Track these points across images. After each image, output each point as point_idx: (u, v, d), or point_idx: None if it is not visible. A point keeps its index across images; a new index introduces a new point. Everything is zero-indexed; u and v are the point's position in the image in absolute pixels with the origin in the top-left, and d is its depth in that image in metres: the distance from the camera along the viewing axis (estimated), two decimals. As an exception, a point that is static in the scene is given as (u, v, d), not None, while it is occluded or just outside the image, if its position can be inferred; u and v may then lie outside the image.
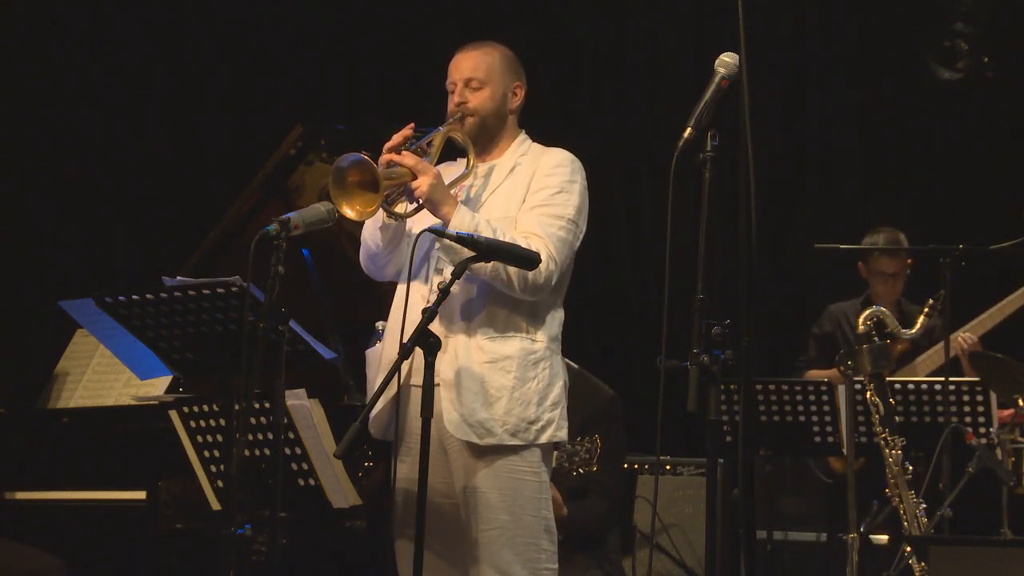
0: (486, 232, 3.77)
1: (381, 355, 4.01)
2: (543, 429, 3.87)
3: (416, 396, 3.84)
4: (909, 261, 6.10)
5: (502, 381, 3.83)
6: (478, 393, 3.82)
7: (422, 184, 3.80)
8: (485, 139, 4.02)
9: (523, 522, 3.84)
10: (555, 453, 4.68)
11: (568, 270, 3.98)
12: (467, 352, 3.84)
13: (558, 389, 3.93)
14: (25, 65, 6.89)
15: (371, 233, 4.02)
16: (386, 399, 3.85)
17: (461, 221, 3.79)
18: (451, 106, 4.02)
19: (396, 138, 3.88)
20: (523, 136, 4.10)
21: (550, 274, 3.83)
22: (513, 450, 3.85)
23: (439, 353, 3.78)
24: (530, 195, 3.93)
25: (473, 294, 3.87)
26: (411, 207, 3.90)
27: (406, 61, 7.39)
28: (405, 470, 3.89)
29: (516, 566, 3.81)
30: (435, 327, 3.81)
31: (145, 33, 7.19)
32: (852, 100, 7.18)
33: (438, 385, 3.82)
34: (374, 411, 3.89)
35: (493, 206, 3.96)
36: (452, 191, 3.90)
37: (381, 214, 3.93)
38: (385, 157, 3.82)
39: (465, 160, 4.01)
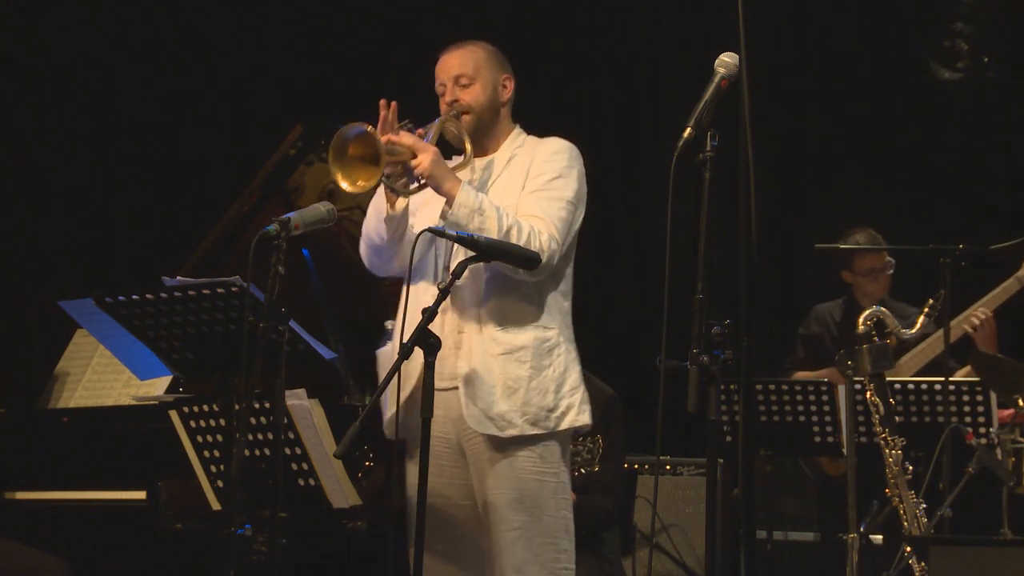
0: (490, 211, 3.78)
1: (393, 355, 3.99)
2: (563, 415, 3.87)
3: (438, 399, 3.84)
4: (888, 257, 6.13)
5: (518, 372, 3.83)
6: (495, 386, 3.81)
7: (423, 161, 3.79)
8: (482, 134, 4.03)
9: (542, 522, 3.84)
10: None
11: (570, 253, 3.98)
12: (481, 346, 3.84)
13: (575, 374, 3.94)
14: (25, 65, 6.89)
15: (374, 226, 4.00)
16: (399, 401, 3.82)
17: (466, 198, 3.78)
18: (443, 107, 4.02)
19: (386, 115, 3.82)
20: (519, 130, 4.11)
21: (552, 253, 3.84)
22: (533, 443, 3.84)
23: (455, 352, 3.81)
24: (529, 180, 3.94)
25: (481, 289, 3.87)
26: (414, 185, 3.89)
27: (406, 61, 7.39)
28: (429, 474, 3.88)
29: (534, 566, 3.80)
30: (448, 325, 3.84)
31: (145, 33, 7.19)
32: (852, 100, 7.18)
33: (455, 388, 3.84)
34: (388, 414, 3.89)
35: (492, 197, 3.94)
36: None
37: (384, 206, 3.92)
38: (383, 138, 3.80)
39: (462, 155, 4.01)
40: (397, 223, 3.94)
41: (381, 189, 3.92)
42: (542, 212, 3.87)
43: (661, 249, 3.29)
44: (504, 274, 3.84)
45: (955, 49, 6.80)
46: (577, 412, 3.91)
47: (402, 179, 3.88)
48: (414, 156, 3.81)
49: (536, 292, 3.90)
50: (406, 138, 3.82)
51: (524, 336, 3.86)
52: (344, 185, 3.73)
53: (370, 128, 3.73)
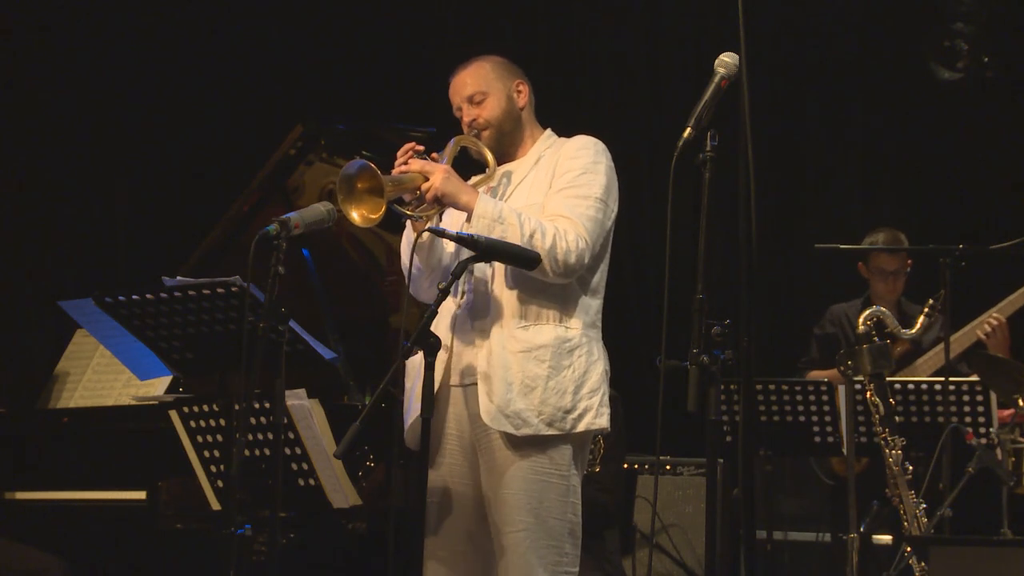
0: (511, 219, 3.74)
1: (419, 364, 3.98)
2: (580, 417, 3.83)
3: (457, 396, 3.86)
4: (909, 260, 6.11)
5: (536, 371, 3.79)
6: (512, 383, 3.77)
7: (434, 181, 3.78)
8: (506, 143, 4.01)
9: (547, 525, 3.81)
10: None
11: (603, 252, 3.93)
12: (501, 343, 3.81)
13: (596, 376, 3.87)
14: (25, 65, 6.89)
15: (407, 256, 3.97)
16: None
17: (484, 209, 3.76)
18: (465, 130, 4.02)
19: (404, 149, 3.85)
20: (548, 132, 4.10)
21: (581, 253, 3.78)
22: (546, 445, 3.81)
23: (475, 348, 3.80)
24: (555, 180, 3.90)
25: (502, 286, 3.85)
26: (433, 209, 3.86)
27: (406, 61, 7.40)
28: (441, 473, 3.89)
29: (538, 569, 3.78)
30: (470, 321, 3.84)
31: (145, 32, 7.20)
32: (852, 100, 7.19)
33: (473, 384, 3.83)
34: (409, 422, 3.89)
35: (518, 198, 3.93)
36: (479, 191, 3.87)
37: (412, 236, 3.90)
38: (396, 170, 3.81)
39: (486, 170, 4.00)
40: (428, 251, 3.91)
41: (410, 221, 3.91)
42: (569, 211, 3.82)
43: (661, 249, 3.29)
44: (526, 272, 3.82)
45: (955, 49, 6.81)
46: (595, 415, 3.85)
47: (421, 205, 3.84)
48: (426, 179, 3.80)
49: (560, 290, 3.85)
50: (414, 164, 3.81)
51: (544, 335, 3.82)
52: (355, 217, 3.71)
53: (369, 162, 3.71)
